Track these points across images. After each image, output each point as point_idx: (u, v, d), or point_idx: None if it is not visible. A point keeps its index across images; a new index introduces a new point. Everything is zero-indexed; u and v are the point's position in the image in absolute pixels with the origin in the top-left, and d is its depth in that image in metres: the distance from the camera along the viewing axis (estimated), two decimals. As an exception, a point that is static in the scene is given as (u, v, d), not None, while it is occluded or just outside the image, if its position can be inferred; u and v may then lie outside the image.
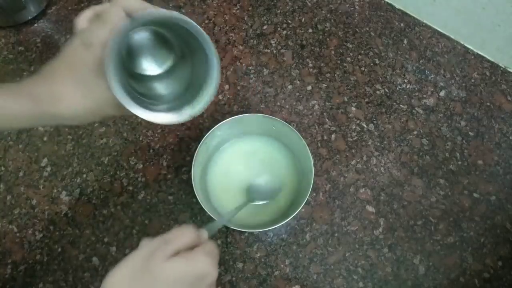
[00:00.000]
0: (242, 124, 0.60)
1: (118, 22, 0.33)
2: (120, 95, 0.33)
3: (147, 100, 0.39)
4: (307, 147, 0.55)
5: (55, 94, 0.35)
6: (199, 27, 0.35)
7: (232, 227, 0.52)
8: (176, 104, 0.40)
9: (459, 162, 0.65)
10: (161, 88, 0.42)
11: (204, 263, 0.34)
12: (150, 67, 0.41)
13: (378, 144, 0.65)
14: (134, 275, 0.32)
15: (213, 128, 0.56)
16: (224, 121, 0.57)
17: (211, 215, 0.51)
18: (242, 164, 0.61)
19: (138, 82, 0.41)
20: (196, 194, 0.52)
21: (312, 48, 0.73)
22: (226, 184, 0.60)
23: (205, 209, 0.51)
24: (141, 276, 0.32)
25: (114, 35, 0.32)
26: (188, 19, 0.34)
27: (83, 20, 0.40)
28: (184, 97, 0.40)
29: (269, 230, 0.59)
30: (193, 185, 0.53)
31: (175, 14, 0.34)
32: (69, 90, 0.35)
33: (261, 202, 0.57)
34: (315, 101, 0.68)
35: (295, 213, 0.51)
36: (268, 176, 0.60)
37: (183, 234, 0.35)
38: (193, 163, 0.54)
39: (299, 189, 0.58)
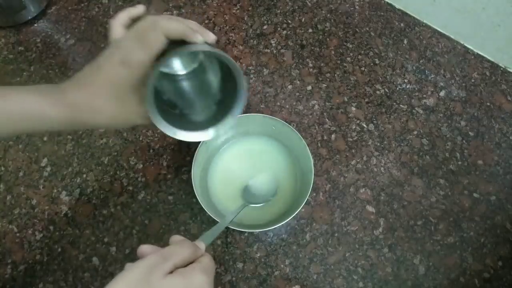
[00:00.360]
0: (242, 124, 0.60)
1: (158, 46, 0.35)
2: (156, 118, 0.37)
3: (172, 108, 0.43)
4: (307, 147, 0.55)
5: (94, 107, 0.37)
6: (237, 65, 0.37)
7: (232, 227, 0.52)
8: (198, 114, 0.45)
9: (459, 162, 0.65)
10: (184, 88, 0.45)
11: (201, 281, 0.34)
12: (176, 66, 0.44)
13: (378, 144, 0.65)
14: None
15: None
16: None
17: (211, 215, 0.51)
18: (242, 164, 0.61)
19: (163, 80, 0.44)
20: (196, 194, 0.52)
21: (312, 48, 0.73)
22: (226, 184, 0.60)
23: (205, 209, 0.51)
24: None
25: (156, 68, 0.34)
26: (229, 57, 0.37)
27: (118, 26, 0.41)
28: (206, 111, 0.45)
29: (269, 230, 0.59)
30: (193, 185, 0.53)
31: (216, 50, 0.36)
32: (107, 104, 0.37)
33: (257, 205, 0.57)
34: (315, 101, 0.68)
35: (295, 213, 0.52)
36: (263, 178, 0.59)
37: (181, 250, 0.35)
38: (193, 163, 0.54)
39: (299, 189, 0.58)
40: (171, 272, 0.33)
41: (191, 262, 0.35)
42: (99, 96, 0.36)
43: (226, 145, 0.62)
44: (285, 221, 0.51)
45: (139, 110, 0.38)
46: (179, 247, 0.36)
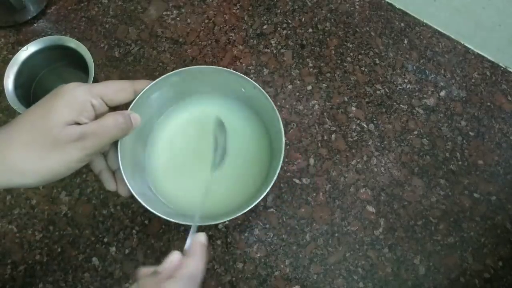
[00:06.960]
0: (193, 82, 0.45)
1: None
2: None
3: None
4: (276, 111, 0.46)
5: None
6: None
7: (212, 223, 0.45)
8: None
9: (460, 162, 0.64)
10: None
11: None
12: None
13: (378, 144, 0.65)
14: None
15: (143, 90, 0.42)
16: (163, 76, 0.43)
17: (162, 216, 0.44)
18: (194, 137, 0.49)
19: None
20: (133, 193, 0.44)
21: (312, 48, 0.73)
22: (175, 166, 0.48)
23: (150, 209, 0.43)
24: None
25: None
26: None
27: None
28: None
29: (269, 230, 0.59)
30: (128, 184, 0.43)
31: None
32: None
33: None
34: (315, 101, 0.68)
35: (272, 183, 0.43)
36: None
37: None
38: (119, 156, 0.43)
39: (270, 159, 0.50)
40: None
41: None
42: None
43: (168, 115, 0.48)
44: (264, 194, 0.43)
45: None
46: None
